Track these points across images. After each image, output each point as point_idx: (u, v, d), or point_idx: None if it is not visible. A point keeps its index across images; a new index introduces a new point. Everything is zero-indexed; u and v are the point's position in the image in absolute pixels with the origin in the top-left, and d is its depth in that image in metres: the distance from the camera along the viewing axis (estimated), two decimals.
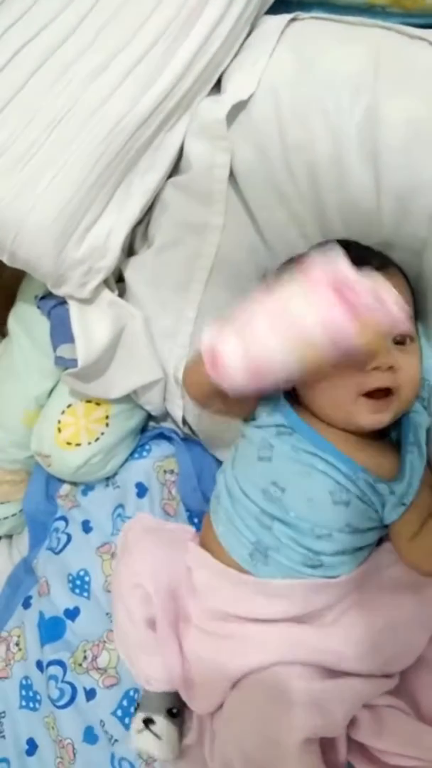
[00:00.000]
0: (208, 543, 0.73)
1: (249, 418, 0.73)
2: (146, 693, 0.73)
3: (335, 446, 0.66)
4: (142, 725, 0.70)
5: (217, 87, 0.78)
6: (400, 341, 0.66)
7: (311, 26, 0.75)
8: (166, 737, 0.69)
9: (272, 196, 0.76)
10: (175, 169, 0.81)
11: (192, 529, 0.81)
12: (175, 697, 0.71)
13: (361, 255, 0.69)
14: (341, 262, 0.52)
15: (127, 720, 0.77)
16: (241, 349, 0.55)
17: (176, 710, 0.71)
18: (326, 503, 0.65)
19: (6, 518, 1.00)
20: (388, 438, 0.72)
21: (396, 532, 0.68)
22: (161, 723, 0.69)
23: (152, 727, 0.69)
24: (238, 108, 0.74)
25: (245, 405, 0.71)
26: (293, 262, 0.75)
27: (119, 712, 0.77)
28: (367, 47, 0.71)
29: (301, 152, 0.72)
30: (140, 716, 0.71)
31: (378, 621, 0.66)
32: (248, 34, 0.77)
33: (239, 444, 0.74)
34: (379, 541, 0.72)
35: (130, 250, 0.88)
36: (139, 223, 0.83)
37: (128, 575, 0.73)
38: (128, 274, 0.85)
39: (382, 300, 0.51)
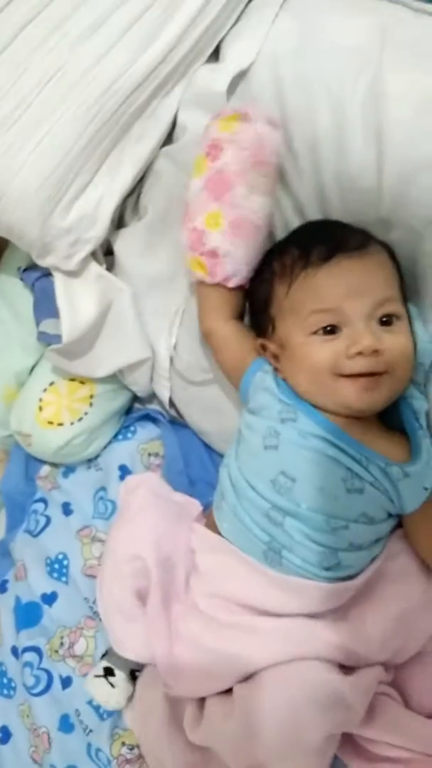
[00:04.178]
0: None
1: (239, 379, 0.71)
2: None
3: (342, 429, 0.63)
4: (102, 672, 0.70)
5: (215, 55, 0.76)
6: (386, 321, 0.63)
7: None
8: (119, 690, 0.69)
9: None
10: (168, 139, 0.78)
11: (199, 506, 0.77)
12: (142, 664, 0.70)
13: (340, 234, 0.67)
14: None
15: (102, 710, 0.75)
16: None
17: (137, 674, 0.70)
18: (340, 492, 0.61)
19: None
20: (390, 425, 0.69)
21: (415, 524, 0.66)
22: (120, 677, 0.70)
23: (110, 678, 0.69)
24: (237, 77, 0.72)
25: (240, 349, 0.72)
26: (287, 242, 0.73)
27: (95, 702, 0.74)
28: (373, 20, 0.69)
29: (300, 125, 0.70)
30: (104, 664, 0.71)
31: (389, 612, 0.64)
32: (250, 0, 0.75)
33: (242, 435, 0.69)
34: None
35: (120, 222, 0.84)
36: (130, 194, 0.80)
37: (128, 541, 0.69)
38: (118, 247, 0.82)
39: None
